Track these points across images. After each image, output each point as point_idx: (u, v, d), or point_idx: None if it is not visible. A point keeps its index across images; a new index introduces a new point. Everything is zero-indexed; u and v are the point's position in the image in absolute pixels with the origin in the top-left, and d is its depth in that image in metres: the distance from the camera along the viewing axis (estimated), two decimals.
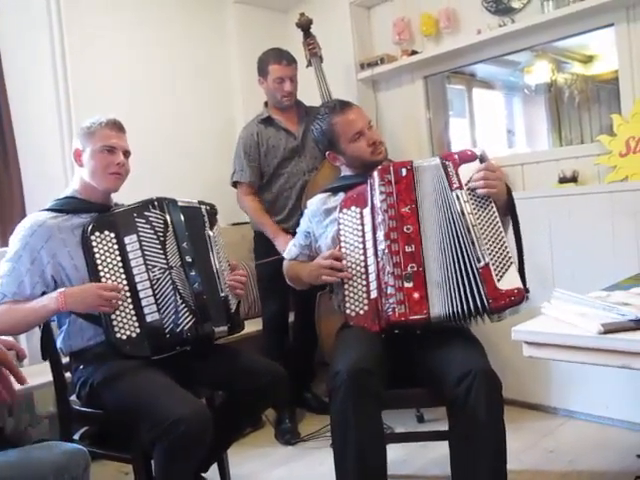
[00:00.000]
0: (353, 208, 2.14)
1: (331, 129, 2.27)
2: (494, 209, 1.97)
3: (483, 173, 1.96)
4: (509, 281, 1.90)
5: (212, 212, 2.29)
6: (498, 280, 1.89)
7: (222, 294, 2.18)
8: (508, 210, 2.03)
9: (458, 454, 1.85)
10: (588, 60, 3.50)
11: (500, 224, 1.96)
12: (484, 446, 1.77)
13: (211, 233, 2.23)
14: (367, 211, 2.10)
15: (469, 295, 1.90)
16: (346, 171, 2.36)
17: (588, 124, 3.42)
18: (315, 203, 2.34)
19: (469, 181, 1.99)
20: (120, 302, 1.98)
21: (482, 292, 1.89)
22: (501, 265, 1.91)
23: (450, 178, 2.01)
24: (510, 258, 1.93)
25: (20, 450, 1.45)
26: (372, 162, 2.21)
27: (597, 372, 2.65)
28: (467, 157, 2.04)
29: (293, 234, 2.52)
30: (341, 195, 2.24)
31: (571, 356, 1.51)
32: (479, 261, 1.91)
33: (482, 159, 2.03)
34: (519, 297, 1.89)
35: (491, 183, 1.96)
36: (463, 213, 1.96)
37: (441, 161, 2.04)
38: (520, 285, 1.90)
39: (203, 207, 2.26)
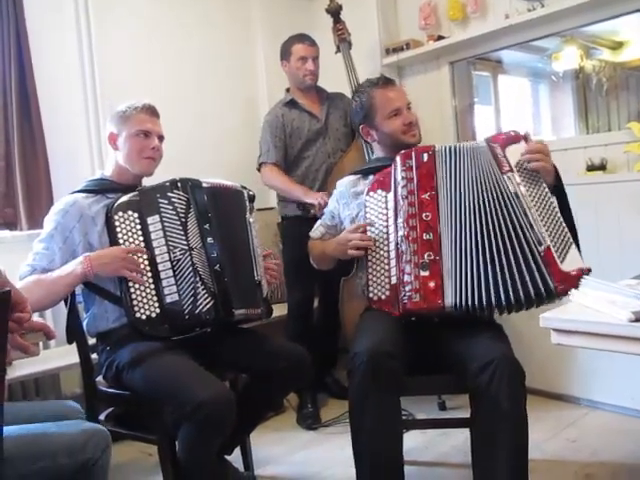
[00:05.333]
0: (379, 192, 2.12)
1: (370, 102, 2.25)
2: (546, 188, 1.93)
3: (535, 147, 1.95)
4: (571, 262, 1.83)
5: (252, 198, 2.30)
6: (561, 262, 1.83)
7: (257, 278, 2.19)
8: (554, 190, 1.99)
9: (479, 442, 1.84)
10: (617, 46, 3.42)
11: (555, 203, 1.92)
12: (505, 434, 1.75)
13: (251, 219, 2.24)
14: (391, 196, 2.09)
15: (528, 281, 1.84)
16: (378, 151, 2.34)
17: (616, 112, 3.35)
18: (344, 185, 2.32)
19: (519, 162, 1.95)
20: (143, 269, 1.98)
21: (546, 276, 1.83)
22: (562, 246, 1.85)
23: (500, 161, 1.96)
24: (569, 238, 1.87)
25: (41, 426, 1.44)
26: (404, 143, 2.18)
27: (622, 362, 2.62)
28: (513, 138, 2.00)
29: (321, 217, 2.52)
30: (371, 178, 2.21)
31: (600, 344, 1.48)
32: (540, 244, 1.85)
33: (527, 139, 2.00)
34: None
35: (544, 157, 1.94)
36: (518, 196, 1.90)
37: (488, 144, 1.99)
38: (582, 265, 1.84)
39: (245, 192, 2.27)
